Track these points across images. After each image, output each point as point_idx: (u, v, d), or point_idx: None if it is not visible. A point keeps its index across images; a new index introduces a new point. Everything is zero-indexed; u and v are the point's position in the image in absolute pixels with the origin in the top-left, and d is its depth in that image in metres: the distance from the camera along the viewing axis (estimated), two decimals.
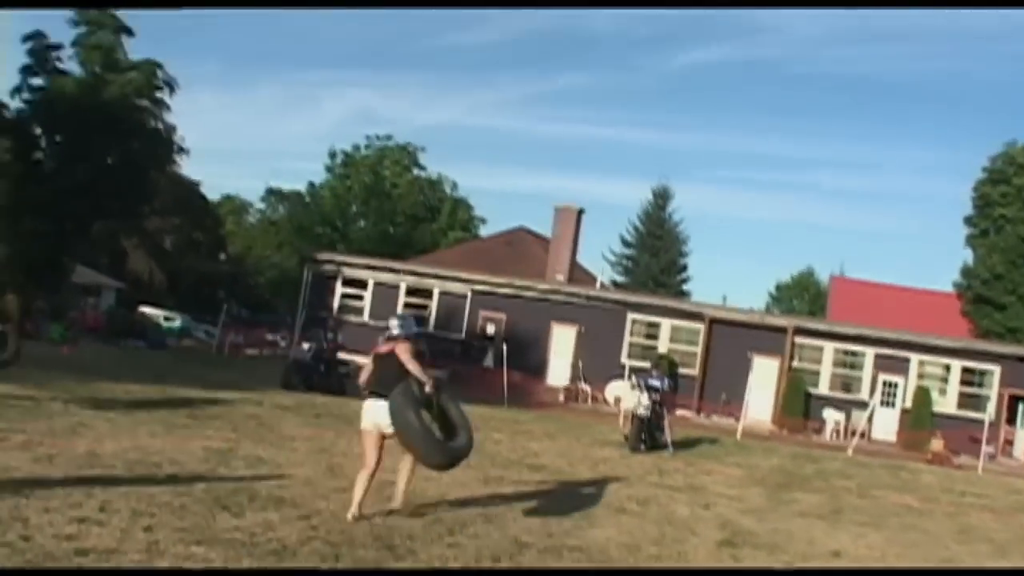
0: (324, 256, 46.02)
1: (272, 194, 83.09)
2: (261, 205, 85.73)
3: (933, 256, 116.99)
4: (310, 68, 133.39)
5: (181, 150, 53.84)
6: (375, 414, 9.67)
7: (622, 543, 9.99)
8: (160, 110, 51.34)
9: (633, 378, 23.26)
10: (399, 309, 41.29)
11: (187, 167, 61.67)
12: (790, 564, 10.12)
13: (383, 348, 9.93)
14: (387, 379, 9.57)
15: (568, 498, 12.48)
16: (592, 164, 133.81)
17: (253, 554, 7.59)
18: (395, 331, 9.95)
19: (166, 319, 51.32)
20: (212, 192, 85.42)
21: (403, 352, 9.61)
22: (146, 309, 52.14)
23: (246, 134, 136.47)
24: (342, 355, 27.18)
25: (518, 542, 9.30)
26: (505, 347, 32.77)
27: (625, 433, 21.37)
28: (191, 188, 72.78)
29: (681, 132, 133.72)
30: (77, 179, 45.20)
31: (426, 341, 37.98)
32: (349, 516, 9.36)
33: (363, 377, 10.12)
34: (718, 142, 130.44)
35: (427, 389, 9.56)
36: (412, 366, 9.53)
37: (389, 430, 9.54)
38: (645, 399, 21.05)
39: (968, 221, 55.99)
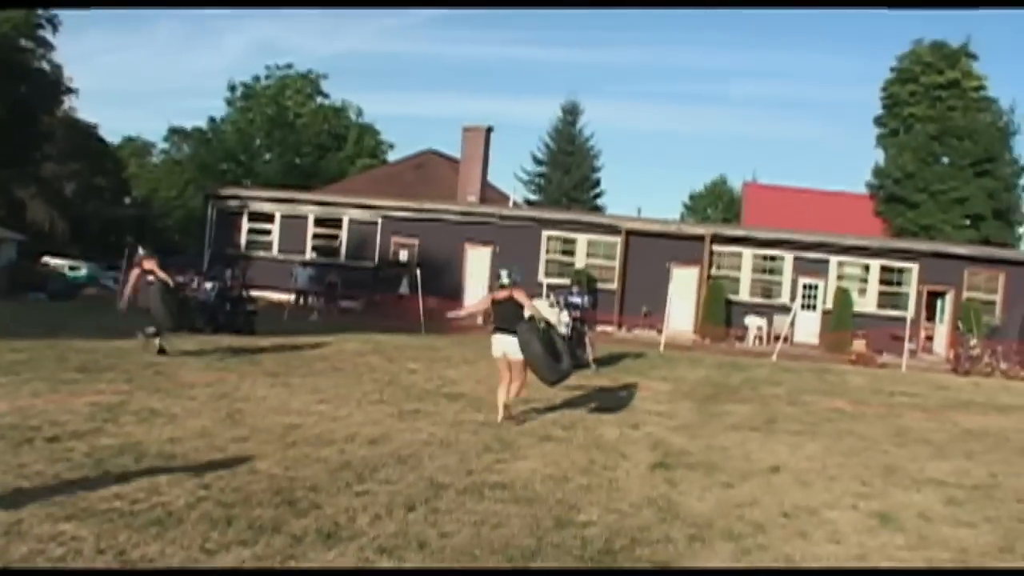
0: (228, 192, 44.60)
1: (175, 133, 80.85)
2: (165, 146, 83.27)
3: (844, 160, 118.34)
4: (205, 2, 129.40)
5: (70, 90, 51.48)
6: (503, 345, 12.61)
7: (548, 475, 9.24)
8: (45, 51, 49.06)
9: (551, 296, 22.43)
10: (308, 241, 40.45)
11: (84, 111, 59.38)
12: (728, 484, 9.45)
13: (500, 295, 12.75)
14: (508, 318, 12.50)
15: (489, 429, 11.71)
16: (500, 85, 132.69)
17: (132, 525, 6.68)
18: (506, 280, 12.71)
19: (71, 268, 49.72)
20: (114, 136, 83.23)
21: (521, 297, 12.56)
22: (50, 260, 50.42)
23: (146, 74, 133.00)
24: (251, 292, 26.15)
25: (434, 483, 8.51)
26: (419, 272, 31.88)
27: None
28: (88, 132, 70.60)
29: (588, 48, 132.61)
30: None
31: (338, 272, 37.23)
32: (499, 419, 12.27)
33: (479, 317, 14.51)
34: (625, 56, 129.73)
35: (541, 325, 12.42)
36: (529, 307, 12.55)
37: (516, 356, 12.41)
38: (565, 317, 20.25)
39: (878, 121, 56.16)
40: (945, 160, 51.45)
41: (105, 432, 9.88)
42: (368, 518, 7.29)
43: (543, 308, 23.49)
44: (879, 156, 55.08)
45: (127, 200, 76.97)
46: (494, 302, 12.93)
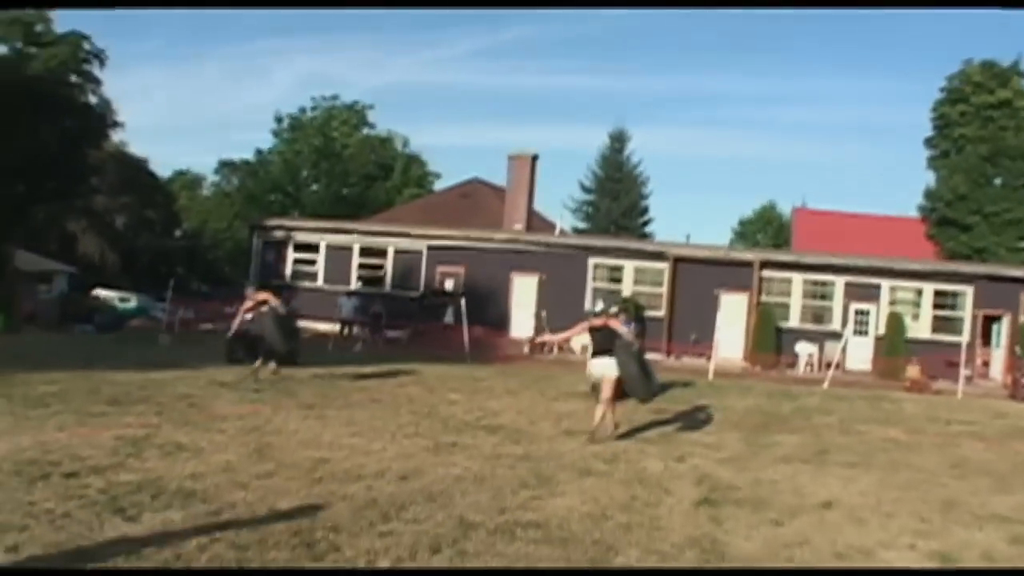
0: (273, 222, 44.52)
1: (225, 166, 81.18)
2: (216, 178, 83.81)
3: (895, 184, 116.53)
4: (255, 38, 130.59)
5: (116, 124, 51.75)
6: (601, 366, 13.94)
7: (586, 513, 8.77)
8: (92, 84, 49.37)
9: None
10: (353, 271, 40.15)
11: (135, 145, 59.99)
12: (777, 522, 8.92)
13: (596, 322, 14.30)
14: (605, 343, 13.92)
15: (527, 462, 11.23)
16: (547, 114, 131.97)
17: (134, 571, 6.29)
18: (600, 309, 14.77)
19: (121, 300, 49.74)
20: (165, 170, 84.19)
21: (616, 325, 14.33)
22: (100, 292, 50.61)
23: (197, 109, 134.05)
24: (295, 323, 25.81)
25: (464, 522, 8.06)
26: (464, 301, 31.48)
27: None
28: (138, 166, 71.25)
29: (633, 76, 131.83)
30: (5, 162, 43.28)
31: (383, 302, 36.89)
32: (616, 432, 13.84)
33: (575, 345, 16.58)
34: (672, 84, 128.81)
35: (634, 348, 14.13)
36: (624, 333, 14.18)
37: (612, 374, 13.69)
38: None
39: (928, 143, 55.12)
40: (998, 181, 50.33)
41: (126, 467, 9.54)
42: (389, 561, 6.87)
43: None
44: (930, 178, 54.09)
45: (177, 232, 77.51)
46: (591, 329, 14.38)
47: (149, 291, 53.95)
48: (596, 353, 14.07)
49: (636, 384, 13.88)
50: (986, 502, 10.56)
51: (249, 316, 19.39)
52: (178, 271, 70.39)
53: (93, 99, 49.54)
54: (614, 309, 14.69)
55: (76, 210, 63.18)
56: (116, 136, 57.05)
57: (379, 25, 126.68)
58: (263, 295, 19.17)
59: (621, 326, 14.40)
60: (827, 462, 12.76)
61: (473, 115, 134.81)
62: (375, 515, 8.15)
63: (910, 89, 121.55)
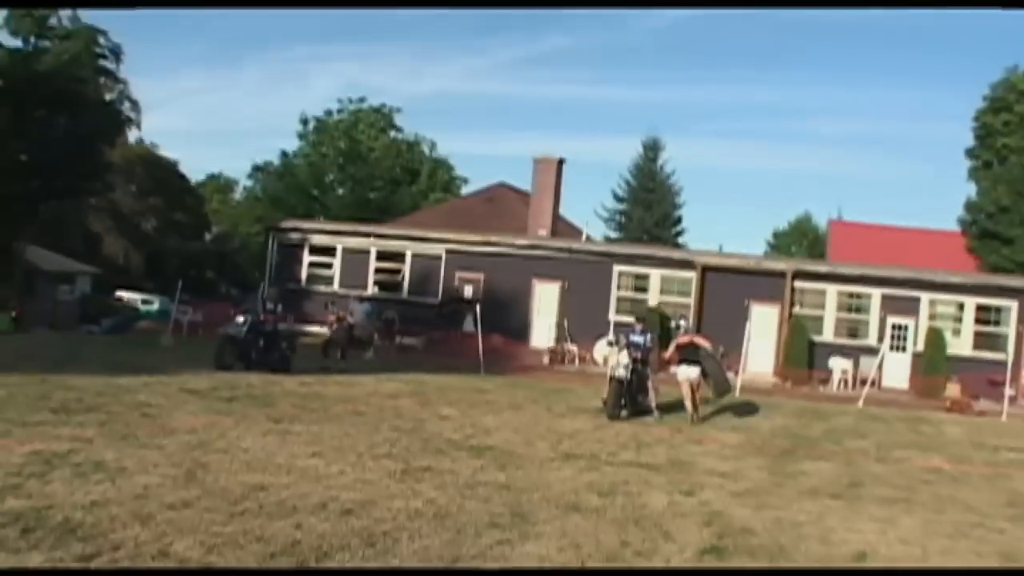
0: (289, 224, 43.05)
1: (258, 171, 79.98)
2: (249, 183, 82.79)
3: (934, 197, 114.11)
4: (295, 44, 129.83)
5: (129, 120, 50.47)
6: (687, 372, 17.98)
7: (561, 563, 7.09)
8: (108, 80, 48.12)
9: (611, 333, 20.18)
10: (370, 275, 38.66)
11: (170, 148, 59.10)
12: None
13: (683, 340, 18.61)
14: (691, 355, 18.14)
15: (506, 493, 9.56)
16: (582, 124, 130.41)
17: None
18: (683, 328, 19.82)
19: (144, 303, 49.00)
20: (198, 173, 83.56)
21: (701, 341, 18.77)
22: (123, 294, 49.80)
23: (235, 114, 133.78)
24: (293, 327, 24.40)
25: None
26: (479, 309, 29.88)
27: (604, 398, 18.32)
28: (169, 168, 70.50)
29: (670, 87, 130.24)
30: (16, 157, 41.97)
31: (399, 308, 35.32)
32: (691, 421, 17.80)
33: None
34: (708, 95, 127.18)
35: (718, 356, 19.78)
36: (706, 345, 18.60)
37: (696, 377, 18.02)
38: (624, 358, 18.03)
39: (970, 153, 52.88)
40: None
41: (20, 491, 8.00)
42: None
43: (601, 348, 21.52)
44: (971, 190, 51.93)
45: (207, 236, 76.67)
46: (678, 345, 18.70)
47: (175, 294, 53.04)
48: (683, 361, 18.25)
49: (722, 382, 19.51)
50: None
51: None
52: (207, 275, 69.76)
53: (109, 96, 48.10)
54: (686, 327, 20.03)
55: (100, 210, 62.38)
56: (133, 134, 55.67)
57: (419, 33, 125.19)
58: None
59: (704, 342, 18.76)
60: (861, 497, 11.01)
61: (508, 124, 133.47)
62: (289, 563, 6.51)
63: (950, 100, 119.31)
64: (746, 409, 21.14)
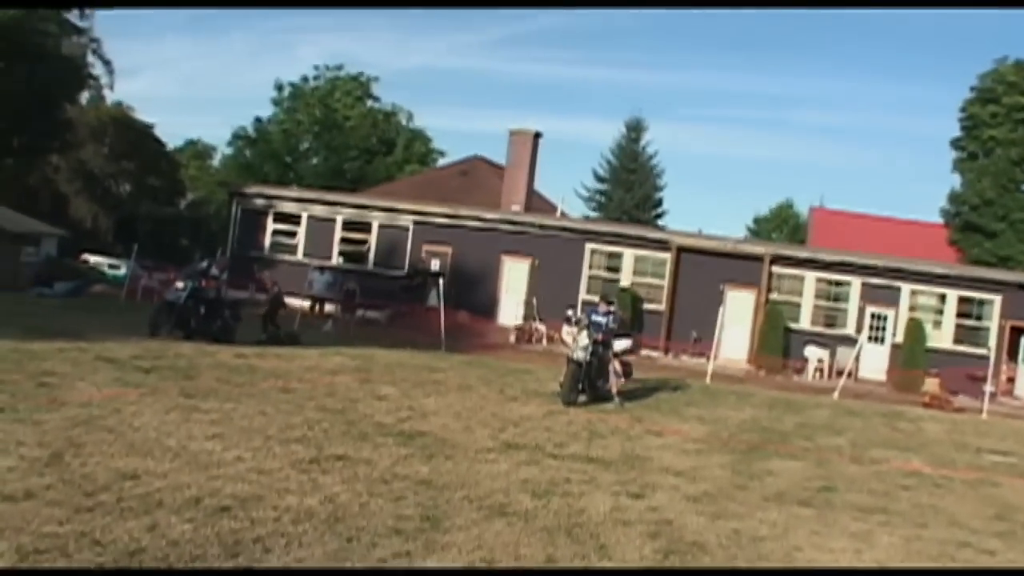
0: (253, 190, 41.66)
1: (238, 139, 78.23)
2: (229, 150, 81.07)
3: (917, 189, 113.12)
4: (282, 13, 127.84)
5: (91, 77, 48.84)
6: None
7: None
8: (74, 36, 46.52)
9: (570, 312, 18.75)
10: (335, 245, 37.39)
11: (147, 113, 57.52)
12: None
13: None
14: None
15: (425, 491, 8.24)
16: (567, 104, 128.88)
17: None
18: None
19: (111, 267, 47.73)
20: (177, 140, 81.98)
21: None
22: (91, 257, 48.73)
23: (220, 82, 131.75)
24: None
25: None
26: (442, 283, 28.61)
27: (561, 381, 16.98)
28: (144, 131, 68.81)
29: (655, 70, 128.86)
30: None
31: (363, 279, 33.98)
32: None
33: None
34: (692, 80, 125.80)
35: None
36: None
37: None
38: (584, 339, 16.69)
39: (955, 144, 51.77)
40: None
41: None
42: None
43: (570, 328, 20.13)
44: (955, 181, 50.89)
45: (182, 202, 75.20)
46: None
47: (151, 259, 51.75)
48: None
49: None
50: None
51: None
52: (182, 241, 68.17)
53: (75, 52, 46.49)
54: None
55: (69, 171, 60.81)
56: (108, 96, 54.06)
57: (408, 7, 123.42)
58: None
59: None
60: (834, 505, 9.75)
61: (492, 102, 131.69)
62: None
63: (937, 91, 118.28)
64: (715, 398, 19.91)
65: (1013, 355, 31.97)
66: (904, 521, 9.33)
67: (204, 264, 22.21)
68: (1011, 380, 31.94)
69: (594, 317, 17.34)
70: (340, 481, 8.20)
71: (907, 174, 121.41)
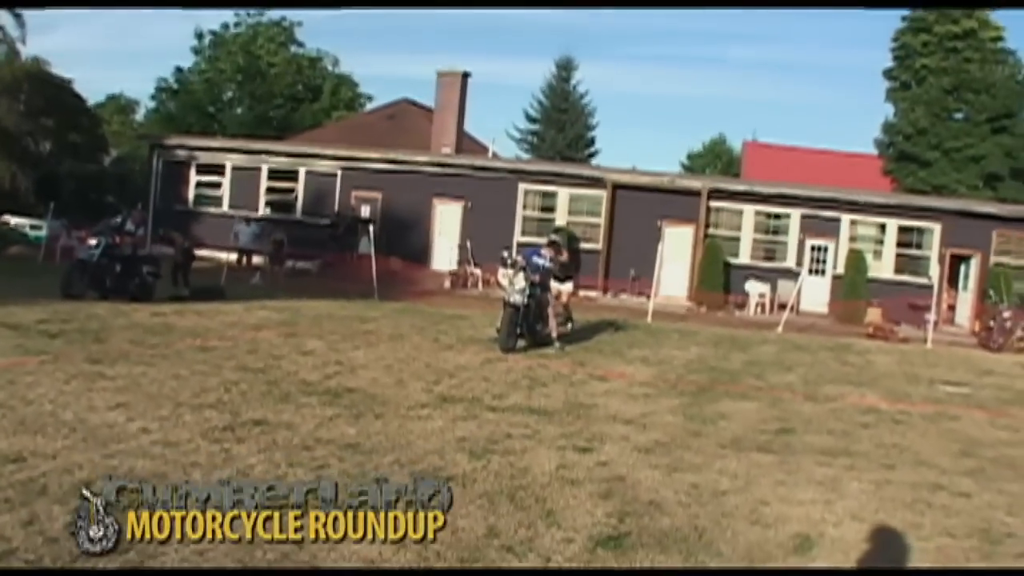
0: (174, 141, 40.34)
1: (161, 91, 75.92)
2: (153, 104, 78.67)
3: (849, 121, 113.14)
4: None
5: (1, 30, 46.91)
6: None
7: (397, 564, 5.04)
8: None
9: (505, 253, 17.91)
10: (261, 195, 36.25)
11: (69, 69, 55.31)
12: None
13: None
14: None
15: (351, 456, 7.44)
16: (496, 46, 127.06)
17: None
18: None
19: (32, 228, 46.24)
20: (98, 95, 79.38)
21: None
22: (10, 218, 47.23)
23: (140, 33, 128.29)
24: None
25: None
26: (372, 229, 27.62)
27: (498, 327, 16.20)
28: (62, 87, 66.47)
29: (586, 10, 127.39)
30: None
31: (291, 229, 32.89)
32: None
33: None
34: (622, 19, 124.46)
35: None
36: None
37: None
38: (520, 282, 15.89)
39: (888, 74, 51.51)
40: (960, 115, 47.04)
41: None
42: None
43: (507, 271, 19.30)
44: (889, 112, 50.68)
45: (106, 159, 73.07)
46: None
47: (75, 219, 50.28)
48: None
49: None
50: None
51: None
52: (108, 199, 66.28)
53: None
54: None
55: None
56: (7, 47, 51.98)
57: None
58: None
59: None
60: (794, 449, 9.07)
61: (419, 46, 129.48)
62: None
63: (869, 22, 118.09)
64: (658, 337, 19.27)
65: (953, 283, 31.77)
66: (870, 463, 8.68)
67: (118, 219, 21.04)
68: (952, 308, 31.78)
69: (534, 259, 16.54)
70: (256, 450, 7.36)
71: (841, 107, 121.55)
